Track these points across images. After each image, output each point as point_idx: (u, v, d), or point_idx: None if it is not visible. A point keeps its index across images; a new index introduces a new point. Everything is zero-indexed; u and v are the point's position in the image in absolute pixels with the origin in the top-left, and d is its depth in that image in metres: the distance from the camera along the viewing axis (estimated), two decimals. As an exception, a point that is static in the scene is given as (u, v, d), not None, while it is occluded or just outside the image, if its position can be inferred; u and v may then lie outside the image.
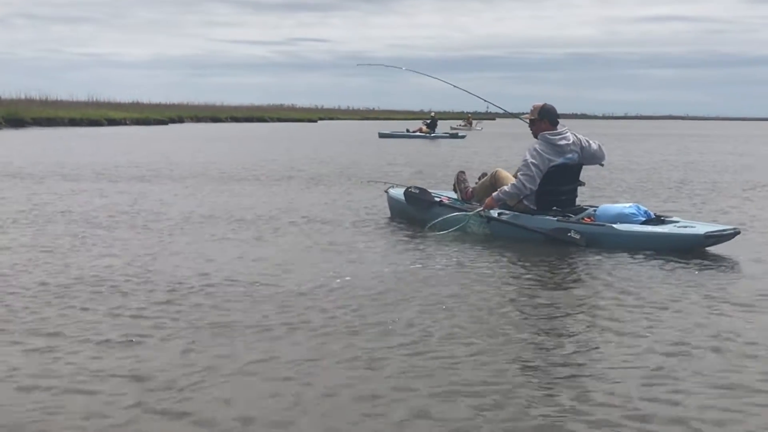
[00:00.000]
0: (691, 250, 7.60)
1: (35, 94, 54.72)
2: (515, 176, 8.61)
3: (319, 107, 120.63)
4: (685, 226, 7.94)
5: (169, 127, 52.25)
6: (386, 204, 10.38)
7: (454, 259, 7.29)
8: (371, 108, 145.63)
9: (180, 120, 63.33)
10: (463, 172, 9.59)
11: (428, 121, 42.76)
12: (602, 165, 8.95)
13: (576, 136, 8.56)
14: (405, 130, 42.24)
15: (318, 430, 3.53)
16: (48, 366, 4.28)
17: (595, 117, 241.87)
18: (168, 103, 75.42)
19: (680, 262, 7.17)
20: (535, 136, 8.56)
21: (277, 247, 7.90)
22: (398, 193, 9.83)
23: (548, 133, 8.43)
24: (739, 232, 7.88)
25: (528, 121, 8.76)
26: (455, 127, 51.85)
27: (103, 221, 9.28)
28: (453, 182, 9.61)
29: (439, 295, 5.86)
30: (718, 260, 7.42)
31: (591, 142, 8.62)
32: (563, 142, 8.43)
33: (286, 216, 9.94)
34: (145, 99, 73.73)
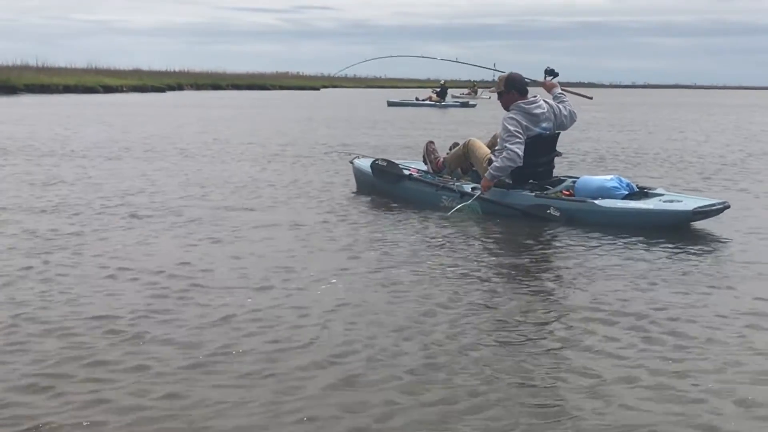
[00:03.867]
0: (678, 226, 7.20)
1: (33, 61, 53.98)
2: (491, 148, 8.06)
3: (326, 75, 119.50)
4: (671, 200, 7.47)
5: (167, 95, 51.51)
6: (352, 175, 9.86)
7: (426, 239, 6.79)
8: (378, 77, 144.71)
9: (180, 87, 62.48)
10: (432, 142, 9.01)
11: (438, 90, 42.02)
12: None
13: (548, 103, 8.01)
14: (414, 99, 41.46)
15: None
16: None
17: (603, 86, 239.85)
18: (169, 70, 74.46)
19: (667, 240, 6.77)
20: (506, 109, 7.99)
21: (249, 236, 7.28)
22: (364, 164, 9.27)
23: (522, 102, 7.89)
24: (728, 206, 7.41)
25: (495, 94, 8.22)
26: (456, 96, 50.96)
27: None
28: (422, 153, 8.99)
29: (412, 282, 5.40)
30: (706, 237, 7.04)
31: (562, 107, 8.09)
32: (539, 110, 7.90)
33: (256, 195, 9.36)
34: (148, 66, 72.67)
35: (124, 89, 52.26)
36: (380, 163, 8.87)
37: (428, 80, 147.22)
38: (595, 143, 17.16)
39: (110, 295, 4.93)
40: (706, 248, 6.55)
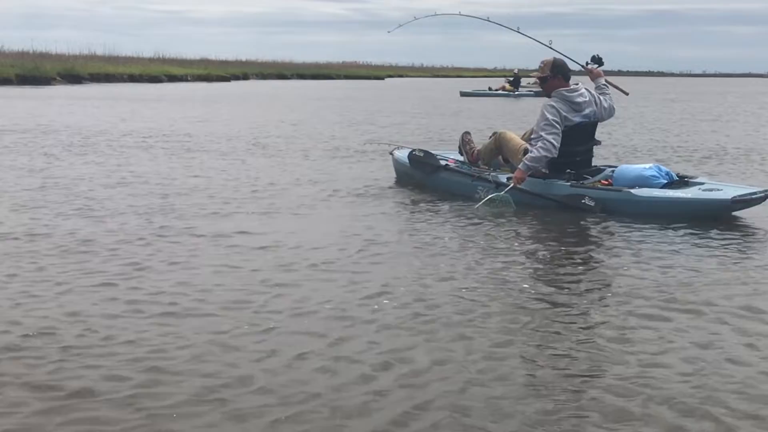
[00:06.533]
0: (718, 216, 7.00)
1: (101, 50, 54.74)
2: (527, 139, 7.94)
3: (393, 65, 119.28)
4: (711, 189, 7.27)
5: (231, 84, 51.88)
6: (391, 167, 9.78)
7: (460, 230, 6.72)
8: (446, 66, 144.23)
9: (245, 77, 62.88)
10: (468, 133, 8.91)
11: (511, 79, 41.42)
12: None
13: (590, 92, 7.86)
14: (487, 89, 40.99)
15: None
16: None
17: (673, 74, 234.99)
18: (236, 59, 74.88)
19: (704, 230, 6.60)
20: (548, 95, 7.87)
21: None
22: (403, 155, 9.20)
23: (565, 90, 7.77)
24: None
25: (537, 79, 8.17)
26: (524, 85, 50.43)
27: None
28: (458, 144, 8.90)
29: (445, 273, 5.33)
30: (746, 227, 6.85)
31: (603, 98, 7.94)
32: (581, 99, 7.77)
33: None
34: (215, 56, 73.03)
35: (189, 78, 52.72)
36: (417, 153, 8.80)
37: (495, 69, 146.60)
38: (649, 133, 16.81)
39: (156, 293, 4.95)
40: (745, 238, 6.40)
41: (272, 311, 4.44)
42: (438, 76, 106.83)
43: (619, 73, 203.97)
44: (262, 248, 5.88)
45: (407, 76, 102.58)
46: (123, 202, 7.61)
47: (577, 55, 8.31)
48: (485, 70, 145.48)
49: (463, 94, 39.39)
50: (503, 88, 39.96)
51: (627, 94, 8.51)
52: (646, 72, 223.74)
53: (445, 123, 19.54)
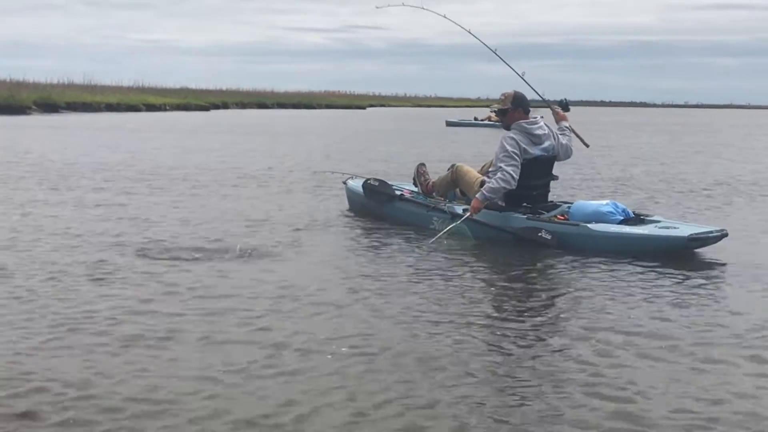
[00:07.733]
0: (674, 254, 6.86)
1: (80, 79, 53.94)
2: (485, 172, 7.84)
3: (376, 94, 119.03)
4: (667, 227, 7.16)
5: (209, 114, 51.48)
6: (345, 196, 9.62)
7: (411, 264, 6.60)
8: (428, 95, 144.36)
9: (225, 106, 62.52)
10: (423, 165, 8.77)
11: (497, 110, 41.21)
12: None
13: (549, 126, 7.81)
14: (473, 118, 41.01)
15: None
16: None
17: (655, 105, 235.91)
18: (217, 89, 74.31)
19: (660, 267, 6.50)
20: (507, 128, 7.80)
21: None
22: (357, 185, 9.04)
23: (524, 122, 7.71)
24: (726, 234, 7.09)
25: (496, 110, 8.16)
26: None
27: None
28: (413, 175, 8.76)
29: (397, 306, 5.27)
30: (702, 265, 6.75)
31: (561, 136, 7.87)
32: (540, 131, 7.71)
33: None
34: (198, 85, 72.26)
35: (167, 107, 52.26)
36: (372, 182, 8.69)
37: (478, 99, 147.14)
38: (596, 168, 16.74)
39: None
40: (699, 275, 6.31)
41: (236, 360, 4.16)
42: (420, 106, 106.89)
43: (602, 103, 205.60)
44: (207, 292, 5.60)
45: (389, 105, 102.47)
46: (92, 236, 7.29)
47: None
48: (468, 100, 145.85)
49: (449, 124, 39.46)
50: (489, 119, 39.93)
51: (588, 146, 8.42)
52: (629, 102, 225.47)
53: (436, 153, 19.21)
